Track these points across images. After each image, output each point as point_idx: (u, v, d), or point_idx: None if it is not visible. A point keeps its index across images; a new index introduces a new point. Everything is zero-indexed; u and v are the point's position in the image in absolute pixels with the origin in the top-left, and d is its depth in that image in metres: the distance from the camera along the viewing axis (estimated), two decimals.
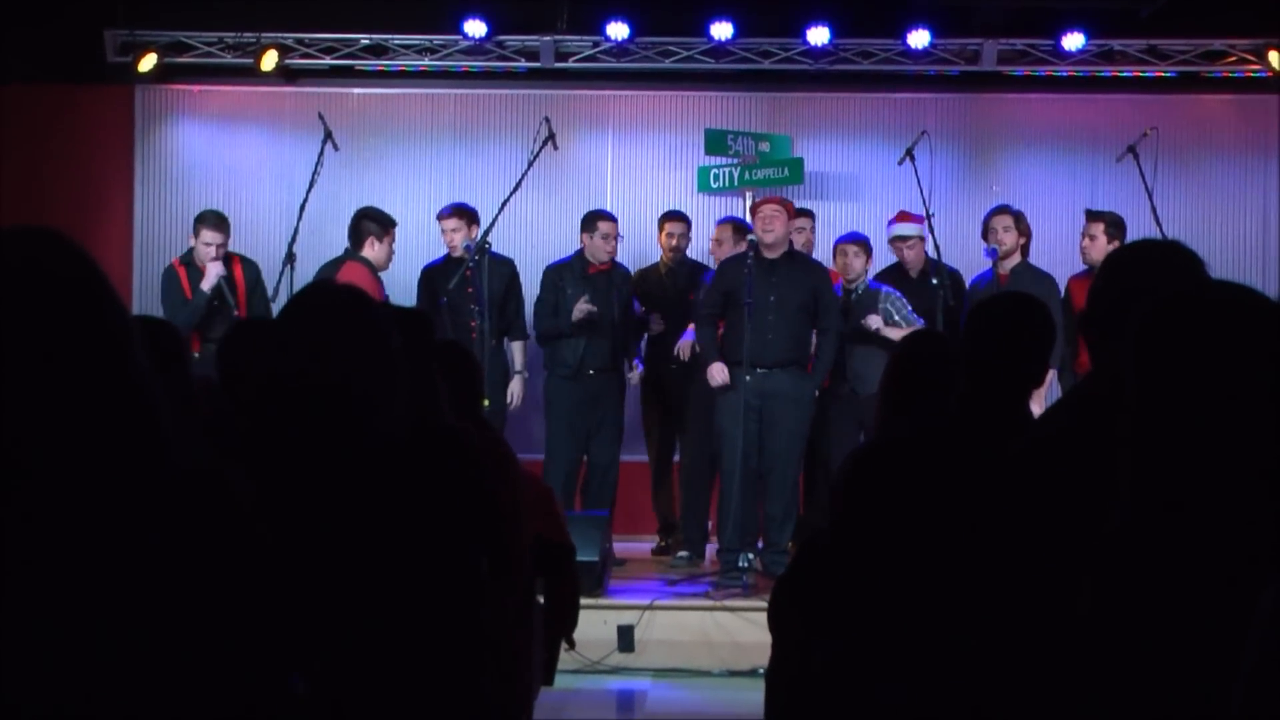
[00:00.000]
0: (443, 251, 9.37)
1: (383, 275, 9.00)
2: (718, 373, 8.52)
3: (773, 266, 8.58)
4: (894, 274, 9.28)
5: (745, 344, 8.35)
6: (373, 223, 8.97)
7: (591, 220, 9.28)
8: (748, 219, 9.21)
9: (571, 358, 9.13)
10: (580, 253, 9.28)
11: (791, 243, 8.82)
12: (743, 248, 8.67)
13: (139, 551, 1.66)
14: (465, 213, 9.21)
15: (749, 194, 10.13)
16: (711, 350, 8.61)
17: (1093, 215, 8.93)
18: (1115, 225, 8.76)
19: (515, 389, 9.24)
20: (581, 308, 8.96)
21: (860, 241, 9.04)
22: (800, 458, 8.78)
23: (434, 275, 9.20)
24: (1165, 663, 1.99)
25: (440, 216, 9.30)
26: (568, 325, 9.03)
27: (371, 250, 8.91)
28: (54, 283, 1.75)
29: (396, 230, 9.10)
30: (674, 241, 9.68)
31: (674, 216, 9.81)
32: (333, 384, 2.90)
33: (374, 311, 3.04)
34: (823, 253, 9.64)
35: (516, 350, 9.33)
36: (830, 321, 8.66)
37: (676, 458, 9.72)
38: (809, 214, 9.72)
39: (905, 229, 9.26)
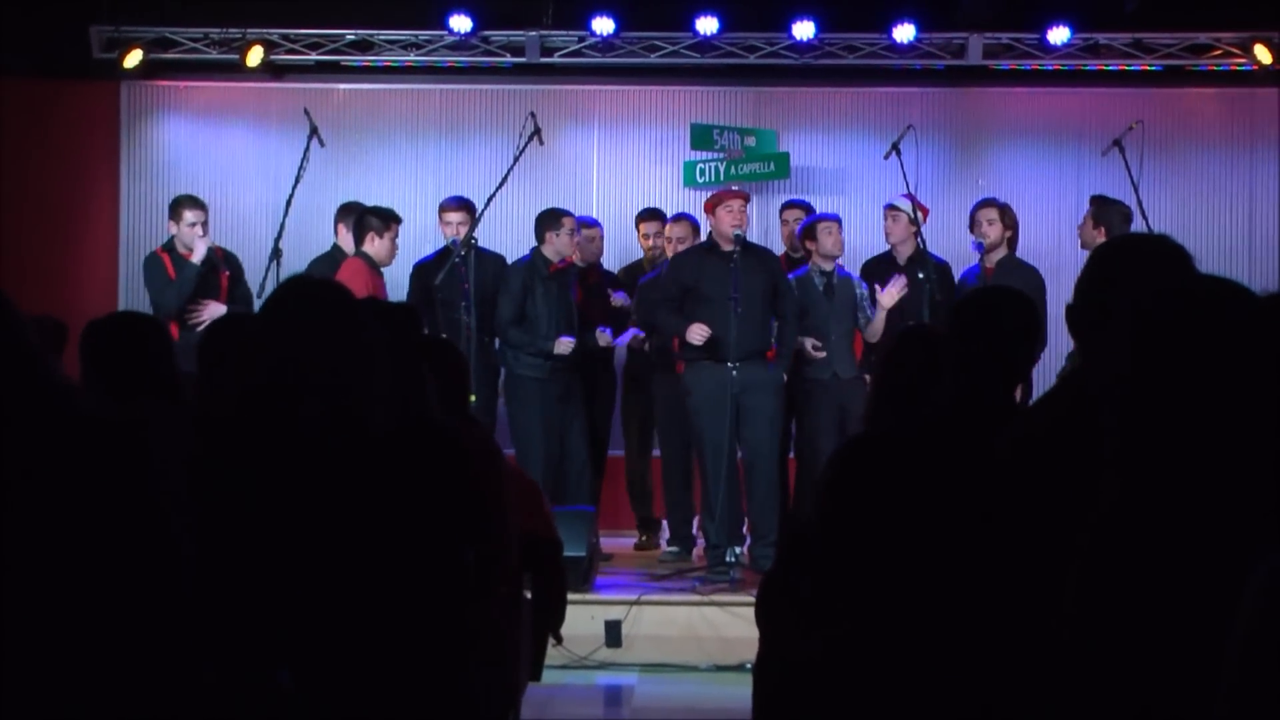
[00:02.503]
0: (431, 246, 9.31)
1: None
2: (698, 331, 8.43)
3: (731, 258, 8.55)
4: (883, 262, 9.23)
5: (731, 338, 8.35)
6: (374, 218, 8.89)
7: (555, 217, 8.98)
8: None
9: (538, 358, 8.91)
10: (538, 251, 8.96)
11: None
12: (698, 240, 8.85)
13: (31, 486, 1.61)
14: (469, 206, 9.13)
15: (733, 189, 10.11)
16: (681, 322, 8.53)
17: (1092, 200, 8.95)
18: (1107, 212, 8.71)
19: None
20: (565, 343, 8.78)
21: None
22: (778, 446, 8.78)
23: (426, 271, 9.11)
24: (1152, 646, 2.00)
25: (446, 207, 9.14)
26: (546, 346, 8.80)
27: (372, 245, 8.83)
28: None
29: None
30: (649, 241, 9.65)
31: (647, 216, 9.77)
32: (313, 377, 2.90)
33: (353, 305, 3.04)
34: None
35: None
36: (789, 308, 8.70)
37: (656, 452, 9.55)
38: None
39: (901, 203, 9.19)
